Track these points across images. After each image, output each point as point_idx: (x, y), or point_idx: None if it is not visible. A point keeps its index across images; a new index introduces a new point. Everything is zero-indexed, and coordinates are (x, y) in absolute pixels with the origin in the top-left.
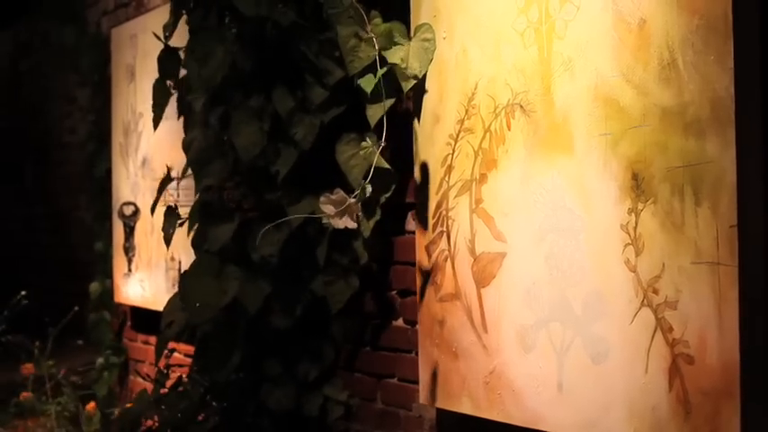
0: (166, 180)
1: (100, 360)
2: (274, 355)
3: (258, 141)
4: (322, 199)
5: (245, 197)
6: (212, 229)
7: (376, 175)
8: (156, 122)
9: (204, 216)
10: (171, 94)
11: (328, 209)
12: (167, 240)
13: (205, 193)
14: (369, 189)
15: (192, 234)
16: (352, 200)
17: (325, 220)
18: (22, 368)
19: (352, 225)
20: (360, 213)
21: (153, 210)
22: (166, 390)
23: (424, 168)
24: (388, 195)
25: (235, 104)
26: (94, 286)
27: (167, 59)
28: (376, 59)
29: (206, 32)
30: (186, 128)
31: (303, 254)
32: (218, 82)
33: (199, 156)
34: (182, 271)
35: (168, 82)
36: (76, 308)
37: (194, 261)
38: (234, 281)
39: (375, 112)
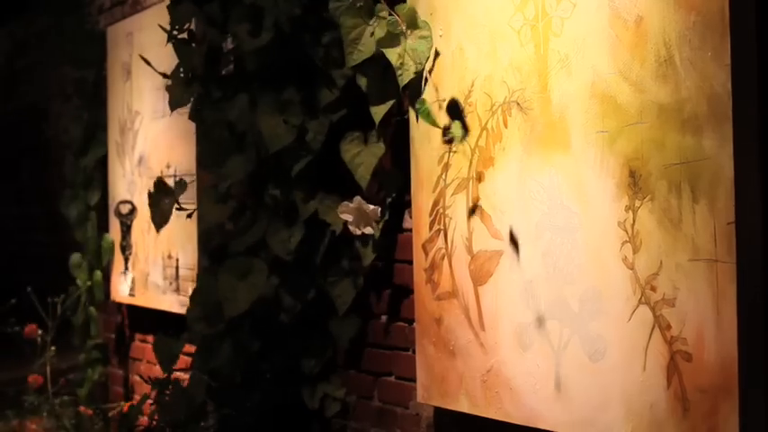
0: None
1: (82, 356)
2: (274, 352)
3: (283, 133)
4: (341, 207)
5: (249, 195)
6: (240, 230)
7: (383, 176)
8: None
9: (231, 217)
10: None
11: (347, 216)
12: (165, 219)
13: (225, 193)
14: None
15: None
16: (372, 207)
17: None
18: (26, 330)
19: (371, 232)
20: (378, 220)
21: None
22: (168, 389)
23: (421, 166)
24: (394, 195)
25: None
26: (83, 278)
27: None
28: (391, 53)
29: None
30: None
31: (310, 251)
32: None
33: (219, 152)
34: (179, 267)
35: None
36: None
37: (226, 261)
38: (261, 274)
39: (379, 111)
